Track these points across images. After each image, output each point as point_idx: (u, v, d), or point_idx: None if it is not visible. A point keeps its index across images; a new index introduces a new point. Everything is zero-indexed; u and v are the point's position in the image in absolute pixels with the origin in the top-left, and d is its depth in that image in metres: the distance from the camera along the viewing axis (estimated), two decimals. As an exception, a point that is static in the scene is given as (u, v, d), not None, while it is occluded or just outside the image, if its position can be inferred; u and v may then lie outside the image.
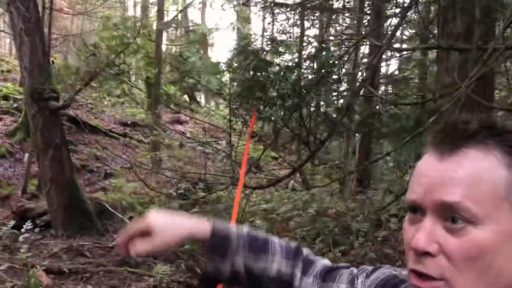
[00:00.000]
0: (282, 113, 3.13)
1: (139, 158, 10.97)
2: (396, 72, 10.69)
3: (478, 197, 0.61)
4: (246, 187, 3.46)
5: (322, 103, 3.49)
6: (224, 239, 0.91)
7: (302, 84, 3.32)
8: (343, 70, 4.01)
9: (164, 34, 14.33)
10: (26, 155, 9.58)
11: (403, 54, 8.38)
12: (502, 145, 0.64)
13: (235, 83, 3.35)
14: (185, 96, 17.99)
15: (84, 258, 5.66)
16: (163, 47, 13.95)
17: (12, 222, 5.91)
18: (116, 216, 7.05)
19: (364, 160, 8.77)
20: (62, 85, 7.13)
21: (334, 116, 3.41)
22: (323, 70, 3.45)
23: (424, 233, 0.63)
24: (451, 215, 0.62)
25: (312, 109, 3.46)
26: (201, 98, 19.87)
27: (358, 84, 4.43)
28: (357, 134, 8.13)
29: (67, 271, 5.09)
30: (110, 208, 7.10)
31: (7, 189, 8.52)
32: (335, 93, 3.65)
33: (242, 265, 0.91)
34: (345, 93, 3.83)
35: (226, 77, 3.96)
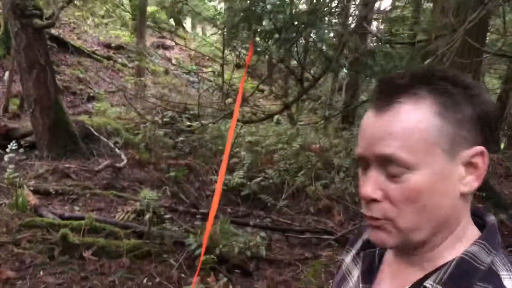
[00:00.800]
0: (278, 47, 3.09)
1: (123, 83, 10.79)
2: (390, 8, 10.45)
3: (412, 147, 0.69)
4: (237, 121, 3.47)
5: (317, 38, 3.43)
6: None
7: (299, 17, 3.24)
8: (339, 6, 3.91)
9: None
10: (7, 73, 9.31)
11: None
12: (433, 94, 0.71)
13: (230, 13, 3.25)
14: (171, 21, 17.40)
15: (70, 180, 5.73)
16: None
17: (-4, 142, 5.87)
18: (101, 140, 7.05)
19: (351, 97, 8.80)
20: (44, 1, 6.80)
21: (329, 52, 3.38)
22: (318, 3, 3.37)
23: (369, 183, 0.72)
24: (390, 165, 0.70)
25: (309, 44, 3.42)
26: (186, 23, 19.24)
27: (353, 20, 4.34)
28: (345, 71, 8.09)
29: (54, 192, 5.17)
30: (95, 132, 7.08)
31: (-12, 107, 8.35)
32: (330, 29, 3.58)
33: None
34: (340, 30, 3.77)
35: (221, 5, 3.82)
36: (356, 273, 0.88)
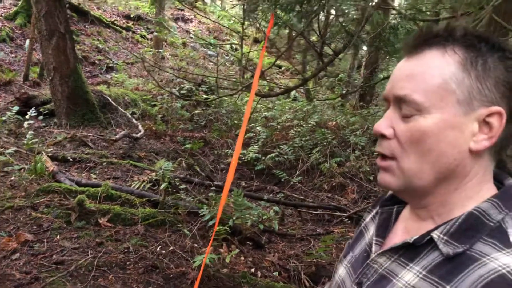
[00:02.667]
0: (299, 20, 3.03)
1: (142, 54, 10.78)
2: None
3: (427, 90, 0.72)
4: (255, 95, 3.45)
5: (339, 12, 3.36)
6: None
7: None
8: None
9: None
10: (27, 41, 9.38)
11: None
12: (462, 48, 0.73)
13: (252, -17, 3.20)
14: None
15: (88, 149, 5.81)
16: None
17: (16, 108, 5.95)
18: (119, 111, 7.11)
19: (370, 75, 8.67)
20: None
21: (351, 27, 3.31)
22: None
23: (384, 120, 0.77)
24: (404, 105, 0.74)
25: (330, 17, 3.35)
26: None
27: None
28: (364, 48, 7.96)
29: (71, 160, 5.25)
30: (113, 102, 7.13)
31: (9, 74, 8.45)
32: (353, 3, 3.50)
33: None
34: (363, 4, 3.68)
35: (242, -25, 3.76)
36: (372, 229, 0.91)
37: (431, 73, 0.72)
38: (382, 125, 0.76)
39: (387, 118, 0.77)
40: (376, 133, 0.77)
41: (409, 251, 0.76)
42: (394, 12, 5.43)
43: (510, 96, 0.72)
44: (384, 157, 0.77)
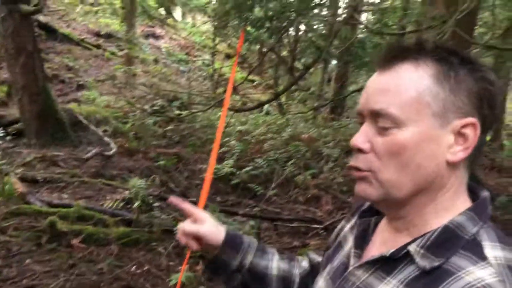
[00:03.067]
0: (269, 36, 3.08)
1: (113, 72, 10.69)
2: (378, 1, 10.47)
3: (402, 103, 0.72)
4: (228, 110, 3.46)
5: (308, 28, 3.42)
6: (237, 237, 1.09)
7: (290, 6, 3.23)
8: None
9: None
10: (-7, 60, 9.16)
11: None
12: (435, 62, 0.74)
13: (222, 1, 3.23)
14: (162, 10, 17.24)
15: (59, 168, 5.68)
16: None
17: (-17, 128, 5.79)
18: (90, 129, 7.00)
19: (339, 88, 8.82)
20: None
21: (320, 42, 3.38)
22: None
23: (360, 135, 0.77)
24: (379, 119, 0.74)
25: (299, 33, 3.41)
26: (177, 13, 19.06)
27: (344, 11, 4.34)
28: (334, 62, 8.10)
29: (41, 180, 5.12)
30: (84, 120, 7.02)
31: (-25, 94, 8.23)
32: (321, 19, 3.58)
33: (249, 262, 1.07)
34: (330, 20, 3.76)
35: (212, -8, 3.79)
36: (350, 240, 0.90)
37: (406, 87, 0.72)
38: (359, 140, 0.76)
39: (363, 132, 0.76)
40: (353, 148, 0.77)
41: (386, 264, 0.76)
42: (361, 27, 5.58)
43: (482, 107, 0.73)
44: (359, 169, 0.77)
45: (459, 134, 0.72)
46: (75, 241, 3.69)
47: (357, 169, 0.77)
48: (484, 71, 0.74)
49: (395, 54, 0.75)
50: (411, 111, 0.71)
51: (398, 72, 0.74)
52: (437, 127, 0.72)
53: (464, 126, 0.72)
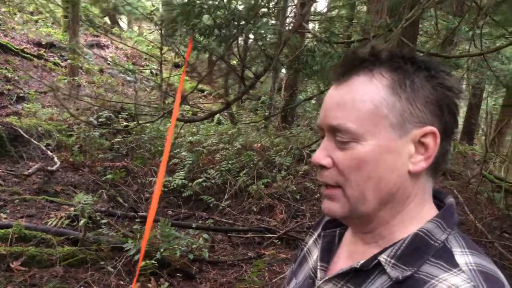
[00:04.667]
0: (218, 44, 3.02)
1: (56, 83, 10.25)
2: (325, 10, 10.71)
3: (359, 117, 0.71)
4: (177, 120, 3.37)
5: (257, 36, 3.40)
6: None
7: (239, 14, 3.19)
8: (280, 3, 3.91)
9: None
10: None
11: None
12: (389, 71, 0.72)
13: (168, 8, 3.14)
14: (106, 19, 16.81)
15: (-3, 186, 5.33)
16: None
17: None
18: (31, 143, 6.64)
19: (290, 97, 8.89)
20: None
21: (270, 50, 3.36)
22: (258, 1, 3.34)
23: (320, 150, 0.76)
24: (338, 134, 0.73)
25: (249, 41, 3.38)
26: (123, 22, 18.67)
27: (293, 19, 4.36)
28: (284, 71, 8.17)
29: (-22, 199, 4.78)
30: (24, 134, 6.65)
31: None
32: (270, 27, 3.57)
33: None
34: (280, 28, 3.76)
35: (158, 0, 3.69)
36: (315, 253, 0.88)
37: (362, 100, 0.71)
38: (320, 156, 0.75)
39: (323, 148, 0.76)
40: (314, 164, 0.76)
41: (356, 277, 0.74)
42: (310, 35, 5.64)
43: (441, 114, 0.72)
44: (329, 186, 0.76)
45: (419, 143, 0.71)
46: (15, 264, 3.44)
47: (327, 185, 0.76)
48: (441, 78, 0.73)
49: (349, 67, 0.74)
50: (369, 124, 0.70)
51: (353, 86, 0.73)
52: (396, 138, 0.70)
53: (424, 135, 0.71)
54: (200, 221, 5.38)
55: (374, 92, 0.71)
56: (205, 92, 13.00)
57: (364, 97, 0.71)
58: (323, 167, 0.75)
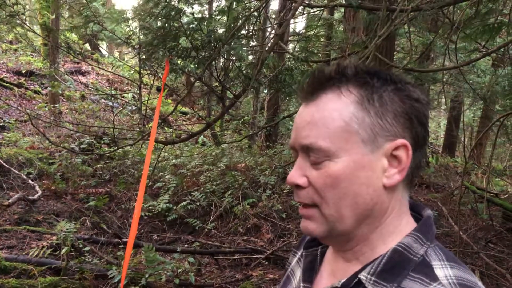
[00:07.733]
0: (195, 66, 3.03)
1: (36, 111, 10.15)
2: (303, 31, 10.88)
3: (330, 135, 0.71)
4: (158, 142, 3.35)
5: (235, 57, 3.43)
6: None
7: (216, 36, 3.22)
8: (256, 25, 3.96)
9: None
10: None
11: (312, 12, 8.50)
12: (356, 87, 0.73)
13: (145, 32, 3.16)
14: (87, 45, 16.82)
15: (-24, 218, 5.21)
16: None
17: None
18: (11, 172, 6.53)
19: (272, 116, 8.93)
20: None
21: (249, 71, 3.39)
22: (235, 24, 3.38)
23: (295, 170, 0.75)
24: (311, 153, 0.73)
25: (227, 62, 3.41)
26: (103, 48, 18.69)
27: (270, 39, 4.42)
28: (265, 90, 8.24)
29: (-44, 232, 4.66)
30: (4, 164, 6.55)
31: None
32: (248, 48, 3.60)
33: None
34: (257, 48, 3.81)
35: (135, 24, 3.72)
36: (298, 273, 0.88)
37: (332, 117, 0.71)
38: (295, 175, 0.75)
39: (298, 167, 0.75)
40: (290, 184, 0.75)
41: None
42: (288, 55, 5.71)
43: (411, 126, 0.72)
44: (305, 205, 0.75)
45: (392, 156, 0.71)
46: (-6, 298, 3.34)
47: (304, 204, 0.76)
48: (407, 90, 0.73)
49: (317, 86, 0.74)
50: (341, 141, 0.70)
51: (322, 103, 0.73)
52: (369, 153, 0.70)
53: (396, 148, 0.71)
54: (186, 245, 5.32)
55: (343, 108, 0.71)
56: (188, 115, 13.01)
57: (333, 114, 0.71)
58: (299, 186, 0.75)
